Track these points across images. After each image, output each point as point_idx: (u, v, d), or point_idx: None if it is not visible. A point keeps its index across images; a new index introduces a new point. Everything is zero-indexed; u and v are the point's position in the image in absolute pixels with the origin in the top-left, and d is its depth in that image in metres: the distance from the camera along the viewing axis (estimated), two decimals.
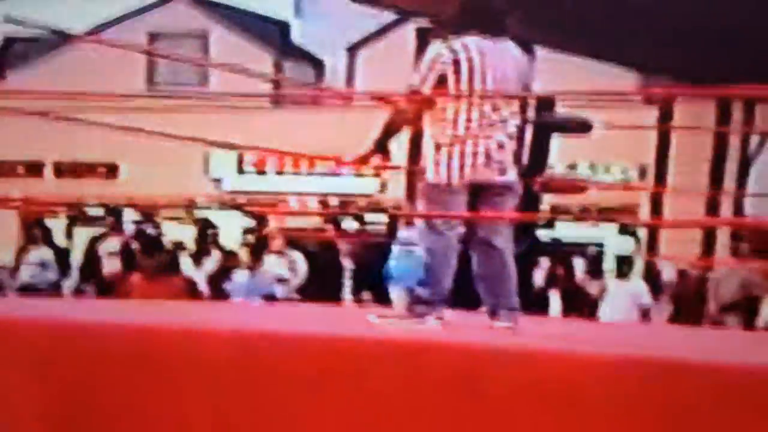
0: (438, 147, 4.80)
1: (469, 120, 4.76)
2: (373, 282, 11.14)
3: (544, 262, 12.36)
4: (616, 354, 3.67)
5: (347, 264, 11.62)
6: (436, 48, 4.83)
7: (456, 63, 4.74)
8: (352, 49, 24.09)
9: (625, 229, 18.10)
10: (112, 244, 12.21)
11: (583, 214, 17.69)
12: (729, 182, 16.81)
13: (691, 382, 3.33)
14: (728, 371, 3.38)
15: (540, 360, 3.58)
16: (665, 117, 16.53)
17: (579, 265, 12.81)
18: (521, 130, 4.96)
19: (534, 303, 9.33)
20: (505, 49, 4.85)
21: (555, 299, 12.12)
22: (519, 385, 3.50)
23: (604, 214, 18.25)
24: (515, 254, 5.01)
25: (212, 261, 12.57)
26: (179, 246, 12.44)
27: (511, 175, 4.84)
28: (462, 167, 4.76)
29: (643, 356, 3.63)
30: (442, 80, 4.75)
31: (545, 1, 11.00)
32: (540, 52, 14.47)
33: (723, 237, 15.58)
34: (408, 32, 21.41)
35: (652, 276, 13.29)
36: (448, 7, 5.02)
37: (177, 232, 15.14)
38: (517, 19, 4.95)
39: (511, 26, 4.92)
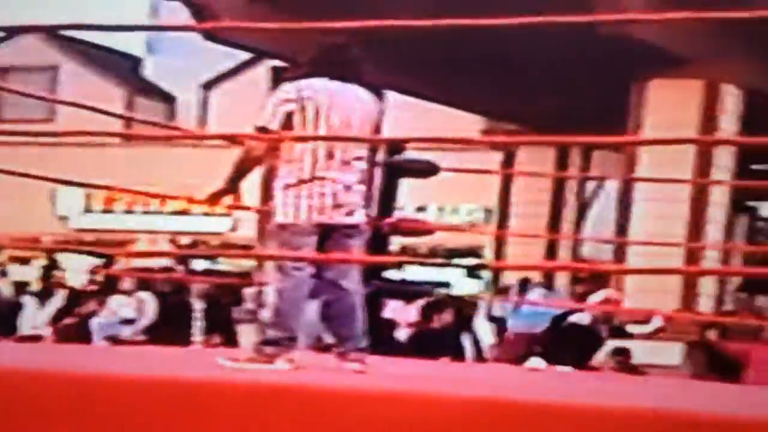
0: (286, 188, 4.82)
1: (315, 161, 4.80)
2: (223, 323, 11.06)
3: (394, 303, 12.45)
4: (467, 395, 3.73)
5: (198, 305, 11.51)
6: (283, 88, 4.87)
7: (302, 104, 4.78)
8: (206, 86, 23.98)
9: (471, 271, 18.42)
10: None
11: (432, 256, 17.95)
12: (567, 226, 17.31)
13: (547, 423, 3.40)
14: (585, 413, 3.46)
15: (390, 401, 3.62)
16: (508, 161, 16.97)
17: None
18: (371, 173, 5.02)
19: (384, 343, 9.40)
20: (353, 91, 4.91)
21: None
22: (369, 426, 3.53)
23: (452, 255, 18.54)
24: (364, 295, 5.06)
25: (57, 301, 12.30)
26: (23, 286, 12.14)
27: (359, 217, 4.89)
28: (310, 208, 4.79)
29: (492, 397, 3.70)
30: (289, 120, 4.79)
31: (396, 46, 11.18)
32: (391, 96, 14.73)
33: (563, 280, 16.04)
34: (263, 71, 21.46)
35: (495, 317, 13.54)
36: (304, 50, 5.08)
37: (21, 271, 14.77)
38: (372, 66, 5.03)
39: (365, 73, 5.00)
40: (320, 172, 4.80)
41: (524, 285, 14.43)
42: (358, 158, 4.89)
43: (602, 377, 8.14)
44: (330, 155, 4.81)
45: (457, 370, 6.61)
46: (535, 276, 14.97)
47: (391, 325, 12.20)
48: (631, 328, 10.32)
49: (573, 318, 9.58)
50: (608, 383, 6.29)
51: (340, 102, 4.83)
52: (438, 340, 10.23)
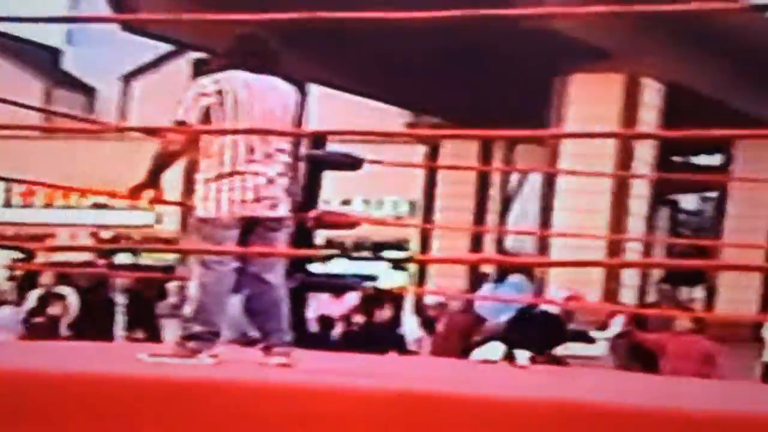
0: (207, 181, 4.78)
1: (237, 154, 4.75)
2: (147, 318, 10.93)
3: (320, 297, 12.39)
4: (390, 388, 3.73)
5: (120, 299, 11.37)
6: (201, 81, 4.81)
7: (221, 97, 4.73)
8: (127, 78, 23.71)
9: (397, 264, 18.46)
10: None
11: (358, 249, 17.95)
12: (491, 218, 17.43)
13: (460, 415, 3.41)
14: (490, 404, 3.48)
15: (314, 395, 3.60)
16: (432, 154, 17.02)
17: (353, 300, 12.93)
18: (294, 166, 4.99)
19: (309, 338, 9.36)
20: (273, 84, 4.87)
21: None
22: (293, 421, 3.51)
23: (378, 248, 18.58)
24: (288, 289, 5.03)
25: None
26: None
27: (283, 210, 4.86)
28: (232, 202, 4.75)
29: (413, 390, 3.70)
30: (207, 114, 4.74)
31: (321, 40, 11.16)
32: (316, 89, 14.69)
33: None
34: (184, 63, 21.28)
35: (421, 310, 13.56)
36: (223, 42, 5.03)
37: None
38: (294, 58, 5.00)
39: (284, 65, 4.96)
40: (242, 166, 4.75)
41: (503, 274, 14.37)
42: (281, 151, 4.85)
43: (527, 369, 8.19)
44: (251, 148, 4.77)
45: (386, 364, 6.61)
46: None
47: (328, 321, 12.18)
48: (594, 334, 10.36)
49: (543, 307, 9.60)
50: (532, 375, 6.34)
51: (260, 94, 4.79)
52: (377, 335, 10.22)
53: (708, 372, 10.65)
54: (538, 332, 8.98)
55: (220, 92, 4.75)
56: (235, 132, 4.73)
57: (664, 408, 3.51)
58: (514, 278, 12.95)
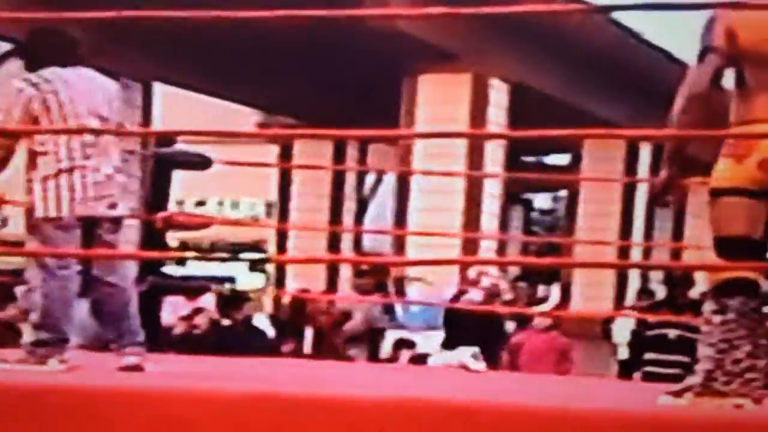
0: (44, 180, 4.67)
1: (71, 151, 4.66)
2: None
3: (174, 300, 12.24)
4: (243, 390, 3.72)
5: None
6: (18, 83, 4.70)
7: (41, 96, 4.63)
8: None
9: (255, 266, 18.36)
10: None
11: (214, 251, 17.79)
12: (348, 218, 17.48)
13: (318, 417, 3.42)
14: (355, 404, 3.49)
15: (165, 399, 3.57)
16: (285, 154, 16.96)
17: (209, 302, 12.81)
18: (132, 164, 4.92)
19: (163, 341, 9.23)
20: (92, 77, 4.80)
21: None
22: (144, 425, 3.47)
23: (235, 249, 18.43)
24: (139, 291, 4.97)
25: None
26: None
27: (122, 210, 4.79)
28: (72, 200, 4.66)
29: (270, 391, 3.69)
30: (29, 113, 4.63)
31: (169, 39, 11.04)
32: (166, 89, 14.48)
33: (347, 272, 16.16)
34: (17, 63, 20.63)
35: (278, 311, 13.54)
36: (22, 38, 4.92)
37: None
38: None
39: (86, 56, 4.85)
40: (78, 162, 4.66)
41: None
42: (114, 147, 4.77)
43: (387, 369, 8.23)
44: (85, 145, 4.69)
45: (241, 366, 6.58)
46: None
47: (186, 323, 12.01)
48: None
49: (469, 296, 9.57)
50: (394, 374, 6.37)
51: (81, 90, 4.70)
52: (234, 337, 10.15)
53: (564, 369, 10.90)
54: (472, 329, 8.92)
55: (39, 91, 4.64)
56: (64, 132, 4.63)
57: (516, 405, 3.57)
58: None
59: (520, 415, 3.24)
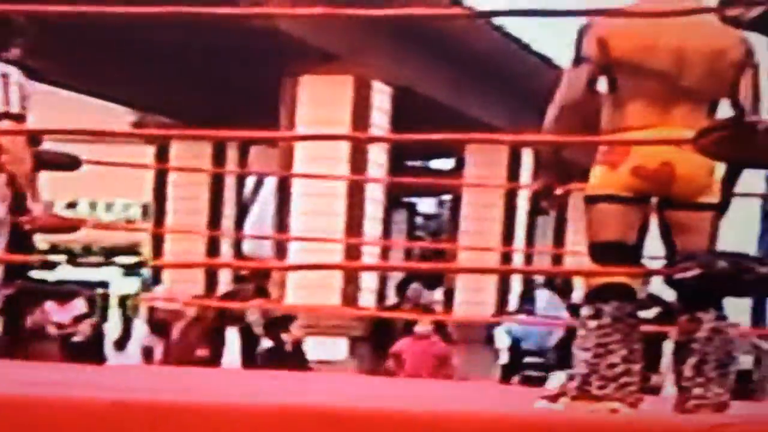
0: None
1: None
2: None
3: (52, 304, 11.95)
4: (115, 398, 3.57)
5: None
6: None
7: None
8: None
9: (130, 270, 18.01)
10: None
11: (87, 254, 17.40)
12: (227, 222, 17.22)
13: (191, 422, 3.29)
14: (227, 412, 3.37)
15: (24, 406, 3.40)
16: (161, 155, 16.61)
17: (81, 306, 12.53)
18: None
19: (29, 348, 8.98)
20: None
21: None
22: None
23: (108, 253, 18.05)
24: (6, 295, 4.79)
25: None
26: None
27: None
28: None
29: (142, 400, 3.55)
30: None
31: (35, 34, 10.68)
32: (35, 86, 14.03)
33: (225, 277, 15.96)
34: None
35: (153, 317, 13.27)
36: None
37: None
38: None
39: None
40: None
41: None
42: None
43: (269, 374, 8.13)
44: None
45: (109, 374, 6.39)
46: None
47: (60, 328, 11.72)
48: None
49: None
50: (274, 379, 6.28)
51: None
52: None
53: (444, 373, 10.94)
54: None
55: None
56: None
57: (386, 409, 3.49)
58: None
59: (388, 419, 3.17)
